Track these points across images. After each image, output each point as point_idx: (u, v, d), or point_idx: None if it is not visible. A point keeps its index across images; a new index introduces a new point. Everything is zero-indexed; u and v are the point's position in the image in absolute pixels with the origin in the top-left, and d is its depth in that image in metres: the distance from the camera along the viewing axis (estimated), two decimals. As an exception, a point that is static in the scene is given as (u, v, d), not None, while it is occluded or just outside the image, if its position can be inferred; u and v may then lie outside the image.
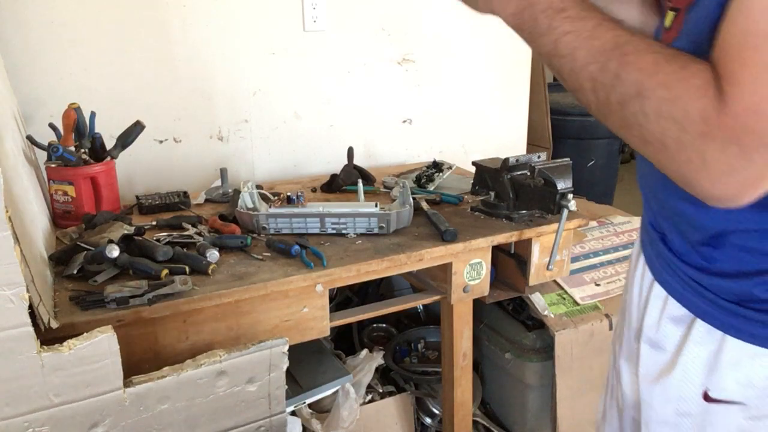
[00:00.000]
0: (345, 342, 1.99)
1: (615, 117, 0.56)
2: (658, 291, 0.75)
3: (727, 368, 0.66)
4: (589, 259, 1.88)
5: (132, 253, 1.21)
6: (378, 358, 1.73)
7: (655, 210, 0.78)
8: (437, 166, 1.87)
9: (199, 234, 1.37)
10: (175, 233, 1.37)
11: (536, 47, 0.62)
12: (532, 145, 2.73)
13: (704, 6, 0.57)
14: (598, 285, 1.80)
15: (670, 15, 0.65)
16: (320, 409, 1.59)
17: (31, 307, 0.91)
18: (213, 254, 1.21)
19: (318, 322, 1.26)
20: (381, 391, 1.76)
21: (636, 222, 2.10)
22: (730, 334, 0.65)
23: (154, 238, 1.31)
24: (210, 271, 1.18)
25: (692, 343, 0.69)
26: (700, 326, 0.68)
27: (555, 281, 1.76)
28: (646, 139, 0.53)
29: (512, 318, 1.79)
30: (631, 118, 0.54)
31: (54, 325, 0.97)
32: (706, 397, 0.68)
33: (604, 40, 0.56)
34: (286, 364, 1.14)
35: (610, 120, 0.57)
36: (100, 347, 0.97)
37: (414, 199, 1.48)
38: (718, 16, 0.52)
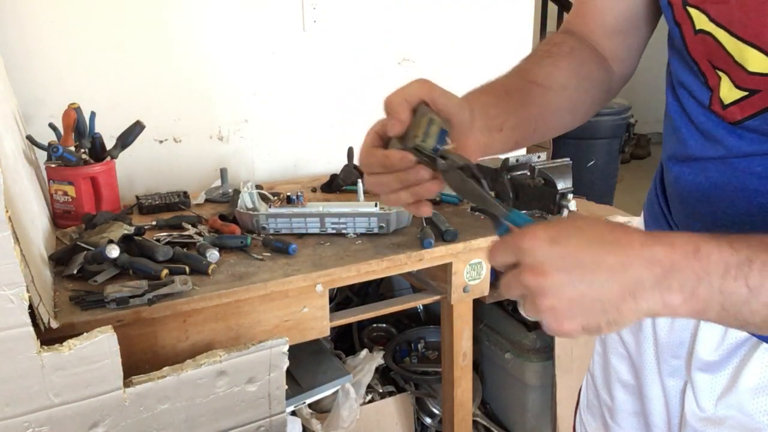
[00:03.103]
0: (345, 342, 1.99)
1: None
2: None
3: None
4: (589, 259, 1.88)
5: (132, 253, 1.21)
6: (378, 358, 1.73)
7: None
8: (437, 166, 1.87)
9: (199, 234, 1.37)
10: (175, 233, 1.37)
11: (738, 321, 0.50)
12: (532, 145, 2.73)
13: None
14: (598, 285, 1.80)
15: (733, 91, 0.61)
16: (320, 409, 1.59)
17: (31, 307, 0.91)
18: (213, 254, 1.21)
19: (318, 322, 1.26)
20: (381, 391, 1.76)
21: (636, 222, 2.09)
22: None
23: (154, 238, 1.31)
24: (210, 271, 1.18)
25: (754, 365, 0.68)
26: (765, 348, 0.67)
27: (555, 281, 1.76)
28: None
29: (512, 318, 1.79)
30: None
31: (54, 325, 0.97)
32: None
33: None
34: (286, 364, 1.14)
35: None
36: (100, 347, 0.97)
37: (414, 199, 1.48)
38: None
